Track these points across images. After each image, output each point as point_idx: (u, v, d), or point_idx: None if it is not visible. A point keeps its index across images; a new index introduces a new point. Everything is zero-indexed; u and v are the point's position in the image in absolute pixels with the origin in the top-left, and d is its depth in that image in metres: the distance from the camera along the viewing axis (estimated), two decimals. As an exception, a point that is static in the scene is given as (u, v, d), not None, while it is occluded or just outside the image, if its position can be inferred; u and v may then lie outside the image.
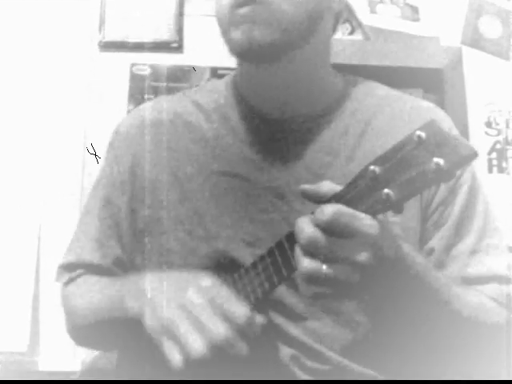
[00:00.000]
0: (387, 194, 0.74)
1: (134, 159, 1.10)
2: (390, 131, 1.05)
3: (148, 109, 1.17)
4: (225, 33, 0.99)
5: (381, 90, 1.12)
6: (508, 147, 1.95)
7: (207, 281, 0.91)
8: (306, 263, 0.77)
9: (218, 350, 0.84)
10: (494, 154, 1.94)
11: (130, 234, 1.10)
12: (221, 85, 1.14)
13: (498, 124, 1.96)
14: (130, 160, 1.11)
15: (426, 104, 1.13)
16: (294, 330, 0.98)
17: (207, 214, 1.03)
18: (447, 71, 1.95)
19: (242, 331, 0.86)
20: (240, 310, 0.86)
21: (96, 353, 1.30)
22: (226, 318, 0.85)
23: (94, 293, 1.07)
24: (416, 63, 1.94)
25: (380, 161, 0.76)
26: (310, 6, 0.99)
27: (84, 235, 1.13)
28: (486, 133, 1.95)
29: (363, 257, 0.77)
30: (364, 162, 1.00)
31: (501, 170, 1.94)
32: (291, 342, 0.97)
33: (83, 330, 1.11)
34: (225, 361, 0.86)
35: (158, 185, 1.07)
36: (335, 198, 0.80)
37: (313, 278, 0.78)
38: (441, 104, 1.91)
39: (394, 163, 0.75)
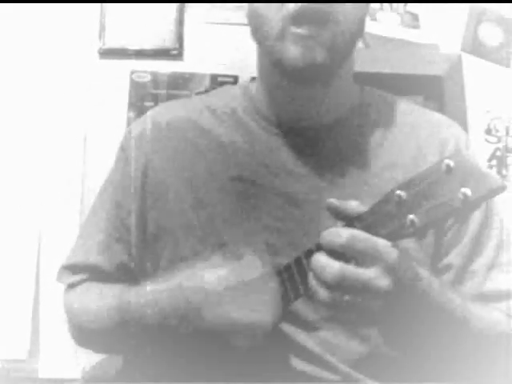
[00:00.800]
0: (412, 221, 0.74)
1: (145, 163, 1.09)
2: (408, 144, 1.05)
3: (161, 112, 1.16)
4: (271, 41, 0.96)
5: (398, 102, 1.12)
6: (508, 154, 1.95)
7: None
8: (324, 294, 0.78)
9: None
10: (494, 162, 1.94)
11: (139, 238, 1.08)
12: (236, 92, 1.13)
13: (497, 131, 1.95)
14: (141, 163, 1.09)
15: (444, 119, 1.13)
16: (305, 339, 0.98)
17: (220, 221, 1.02)
18: (447, 78, 1.95)
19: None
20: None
21: (97, 360, 1.30)
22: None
23: (102, 299, 1.05)
24: (416, 70, 1.93)
25: (406, 186, 0.76)
26: (359, 28, 1.00)
27: (90, 237, 1.12)
28: (486, 140, 1.95)
29: (383, 284, 0.77)
30: (380, 173, 1.01)
31: (501, 178, 1.93)
32: (302, 352, 0.97)
33: (87, 336, 1.09)
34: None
35: (171, 190, 1.06)
36: (359, 219, 0.80)
37: (332, 307, 0.79)
38: (441, 111, 1.91)
39: (421, 190, 0.75)
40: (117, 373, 1.12)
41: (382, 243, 0.77)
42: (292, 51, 0.94)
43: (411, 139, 1.06)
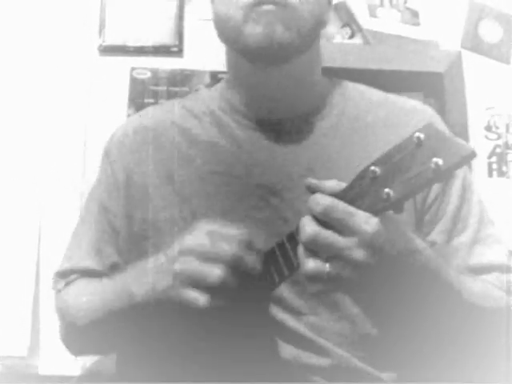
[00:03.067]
0: (388, 194, 0.77)
1: (128, 166, 1.13)
2: (380, 130, 1.08)
3: (142, 116, 1.21)
4: (235, 29, 1.01)
5: (369, 91, 1.16)
6: (508, 151, 1.95)
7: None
8: (310, 264, 0.79)
9: (233, 269, 0.87)
10: (494, 158, 1.94)
11: (126, 238, 1.11)
12: (211, 92, 1.18)
13: (498, 128, 1.96)
14: (124, 166, 1.13)
15: (413, 103, 1.16)
16: (294, 324, 0.99)
17: (202, 215, 1.04)
18: (447, 75, 1.95)
19: (246, 248, 0.88)
20: (233, 231, 0.90)
21: (96, 357, 1.30)
22: (227, 240, 0.88)
23: (93, 289, 1.07)
24: (416, 67, 1.93)
25: (380, 161, 0.79)
26: (319, 14, 1.04)
27: (80, 242, 1.15)
28: (486, 137, 1.95)
29: (360, 255, 0.78)
30: (355, 159, 1.03)
31: (501, 174, 1.94)
32: (292, 337, 0.99)
33: (80, 333, 1.10)
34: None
35: (153, 189, 1.09)
36: (337, 197, 0.81)
37: (316, 278, 0.80)
38: (441, 108, 1.91)
39: (394, 163, 0.77)
40: (116, 370, 1.13)
41: (360, 214, 0.79)
42: (252, 30, 0.99)
43: (383, 127, 1.09)
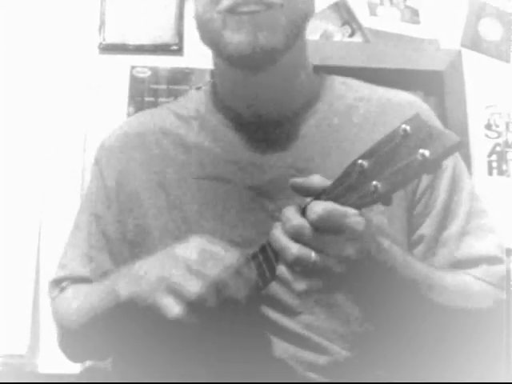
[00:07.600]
0: (375, 186, 0.76)
1: (119, 172, 1.12)
2: (369, 125, 1.07)
3: (131, 123, 1.20)
4: (215, 34, 0.99)
5: (357, 85, 1.14)
6: (508, 150, 1.96)
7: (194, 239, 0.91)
8: (295, 249, 0.78)
9: (216, 291, 0.85)
10: (494, 157, 1.94)
11: (119, 246, 1.11)
12: (200, 94, 1.17)
13: (498, 126, 1.96)
14: (115, 173, 1.12)
15: (401, 95, 1.14)
16: (290, 324, 0.99)
17: (194, 219, 1.04)
18: (447, 74, 1.95)
19: (237, 273, 0.86)
20: (227, 253, 0.87)
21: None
22: (216, 261, 0.86)
23: (84, 293, 1.07)
24: (416, 66, 1.94)
25: (367, 155, 0.78)
26: (304, 8, 1.02)
27: (74, 251, 1.15)
28: (486, 135, 1.96)
29: (349, 251, 0.79)
30: (344, 156, 1.03)
31: (501, 173, 1.94)
32: (288, 336, 0.98)
33: (74, 338, 1.10)
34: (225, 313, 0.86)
35: (144, 195, 1.09)
36: (325, 193, 0.82)
37: (301, 264, 0.79)
38: (441, 106, 1.92)
39: (381, 156, 0.77)
40: (112, 369, 1.13)
41: (351, 213, 0.79)
42: (233, 38, 0.96)
43: (373, 122, 1.07)
